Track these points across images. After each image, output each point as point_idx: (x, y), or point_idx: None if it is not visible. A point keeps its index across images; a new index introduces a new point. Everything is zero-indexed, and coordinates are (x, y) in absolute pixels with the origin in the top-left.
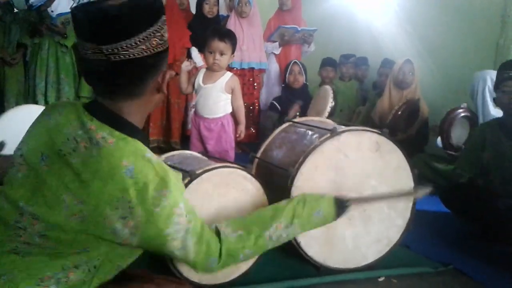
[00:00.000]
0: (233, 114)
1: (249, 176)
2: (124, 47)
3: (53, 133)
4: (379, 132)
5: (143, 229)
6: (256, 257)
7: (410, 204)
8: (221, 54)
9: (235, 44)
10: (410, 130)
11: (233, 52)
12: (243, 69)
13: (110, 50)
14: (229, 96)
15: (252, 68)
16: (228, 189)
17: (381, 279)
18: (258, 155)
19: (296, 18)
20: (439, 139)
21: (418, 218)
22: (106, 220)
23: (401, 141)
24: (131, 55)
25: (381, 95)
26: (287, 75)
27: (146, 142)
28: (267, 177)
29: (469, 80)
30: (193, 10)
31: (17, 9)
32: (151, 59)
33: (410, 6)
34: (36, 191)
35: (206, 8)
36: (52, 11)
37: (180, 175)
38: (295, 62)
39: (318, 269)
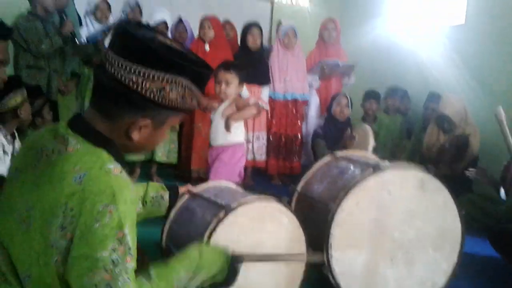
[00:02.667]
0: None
1: (284, 209)
2: (121, 65)
3: (27, 149)
4: (425, 169)
5: (76, 245)
6: None
7: (458, 247)
8: (227, 84)
9: (242, 75)
10: (456, 167)
11: (240, 82)
12: (287, 100)
13: (111, 58)
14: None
15: (295, 99)
16: (264, 223)
17: None
18: (299, 188)
19: (338, 50)
20: (502, 191)
21: (466, 261)
22: (46, 228)
23: (445, 176)
24: (120, 75)
25: (426, 129)
26: (333, 106)
27: (118, 155)
28: (307, 211)
29: None
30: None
31: (78, 41)
32: (134, 95)
33: (459, 37)
34: (3, 203)
35: (250, 39)
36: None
37: (136, 202)
38: (344, 94)
39: None
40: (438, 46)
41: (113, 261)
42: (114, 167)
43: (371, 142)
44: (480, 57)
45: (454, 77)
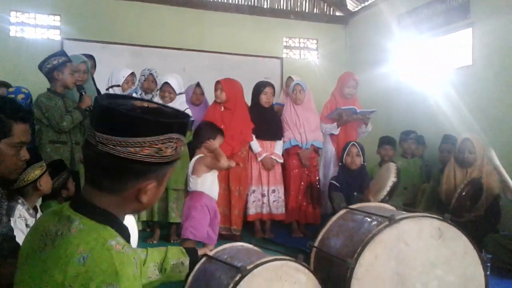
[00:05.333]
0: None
1: (301, 267)
2: (114, 142)
3: (34, 233)
4: (441, 217)
5: None
6: None
7: None
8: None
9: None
10: (477, 210)
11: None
12: (303, 149)
13: (100, 139)
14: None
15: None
16: (281, 283)
17: None
18: (316, 244)
19: (354, 103)
20: None
21: None
22: None
23: (470, 221)
24: (116, 152)
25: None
26: (344, 155)
27: (122, 230)
28: (326, 268)
29: None
30: None
31: None
32: (135, 164)
33: (466, 80)
34: None
35: (264, 98)
36: None
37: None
38: (353, 143)
39: None
40: (447, 88)
41: None
42: (116, 243)
43: (391, 178)
44: (488, 97)
45: (467, 120)
